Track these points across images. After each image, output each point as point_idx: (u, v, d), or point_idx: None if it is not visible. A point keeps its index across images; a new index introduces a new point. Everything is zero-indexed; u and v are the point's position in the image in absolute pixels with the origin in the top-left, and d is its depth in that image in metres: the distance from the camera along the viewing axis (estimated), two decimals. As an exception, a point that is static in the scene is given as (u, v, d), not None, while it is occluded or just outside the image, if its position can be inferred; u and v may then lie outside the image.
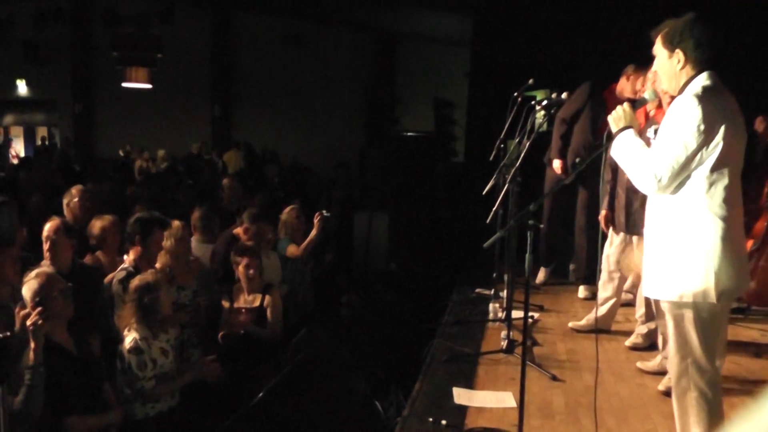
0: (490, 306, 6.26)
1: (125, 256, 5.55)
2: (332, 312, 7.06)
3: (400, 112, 12.96)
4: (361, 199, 11.28)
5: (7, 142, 22.21)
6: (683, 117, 3.20)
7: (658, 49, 3.41)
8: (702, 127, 3.17)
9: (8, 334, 3.09)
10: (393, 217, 10.59)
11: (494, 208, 5.71)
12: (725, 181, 3.23)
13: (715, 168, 3.21)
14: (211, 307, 5.79)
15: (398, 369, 5.83)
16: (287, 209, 7.35)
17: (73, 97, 20.29)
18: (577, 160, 6.37)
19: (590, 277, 6.81)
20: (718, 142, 3.18)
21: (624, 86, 6.35)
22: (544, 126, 5.90)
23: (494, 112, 7.43)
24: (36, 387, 3.80)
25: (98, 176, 11.20)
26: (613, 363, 5.24)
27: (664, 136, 3.28)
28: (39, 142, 21.86)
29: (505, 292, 5.96)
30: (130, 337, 4.55)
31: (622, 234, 5.58)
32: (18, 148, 22.40)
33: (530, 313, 5.39)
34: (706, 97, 3.20)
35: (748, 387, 4.76)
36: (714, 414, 3.34)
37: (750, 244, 6.02)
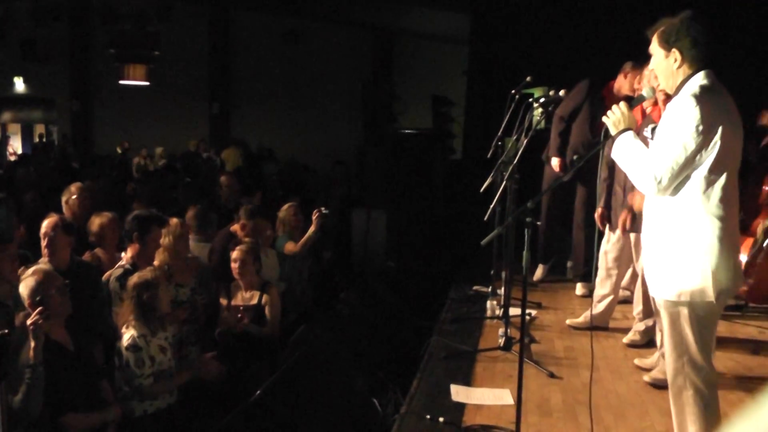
0: (488, 303, 6.27)
1: (123, 254, 5.56)
2: (330, 309, 7.06)
3: (399, 109, 12.93)
4: (359, 196, 11.28)
5: (5, 140, 22.18)
6: (682, 118, 3.20)
7: (655, 48, 3.41)
8: (701, 128, 3.17)
9: (6, 331, 3.09)
10: (391, 214, 10.58)
11: (492, 206, 5.71)
12: (723, 181, 3.23)
13: (713, 168, 3.21)
14: (209, 304, 5.79)
15: (396, 366, 5.83)
16: (285, 207, 7.35)
17: (71, 95, 20.26)
18: (575, 157, 6.41)
19: (588, 275, 6.82)
20: (716, 143, 3.19)
21: (622, 84, 6.36)
22: (542, 123, 5.91)
23: (492, 110, 7.42)
24: (35, 386, 3.80)
25: (96, 174, 11.19)
26: (610, 360, 5.25)
27: (663, 137, 3.28)
28: (37, 140, 21.83)
29: (503, 289, 5.97)
30: (128, 335, 4.55)
31: (618, 231, 5.59)
32: (16, 146, 22.38)
33: (528, 311, 5.39)
34: (704, 97, 3.20)
35: (745, 384, 4.77)
36: (710, 411, 3.35)
37: (751, 242, 6.02)
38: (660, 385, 4.67)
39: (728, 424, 1.15)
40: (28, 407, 3.79)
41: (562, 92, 6.07)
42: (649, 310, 5.21)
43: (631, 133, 3.44)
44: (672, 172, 3.21)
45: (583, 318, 6.02)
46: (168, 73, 18.37)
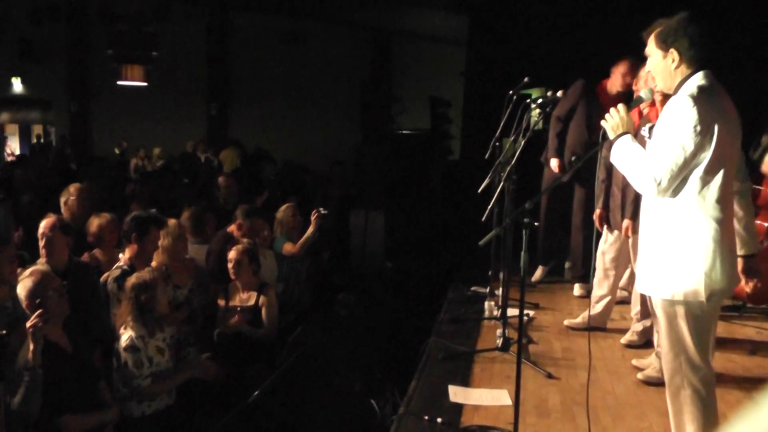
0: (486, 304, 6.27)
1: (121, 255, 5.55)
2: (328, 310, 7.06)
3: (397, 110, 12.96)
4: (358, 197, 11.28)
5: (3, 141, 22.16)
6: (679, 119, 3.20)
7: (652, 49, 3.41)
8: (698, 129, 3.17)
9: (5, 332, 3.09)
10: (389, 215, 10.59)
11: (490, 206, 5.72)
12: (719, 181, 3.23)
13: (709, 169, 3.22)
14: (206, 305, 5.79)
15: (394, 367, 5.84)
16: (283, 207, 7.35)
17: (69, 95, 20.22)
18: (573, 158, 6.42)
19: (585, 276, 6.83)
20: (712, 143, 3.19)
21: (614, 82, 6.40)
22: (540, 124, 5.91)
23: (490, 111, 7.41)
24: (34, 388, 3.80)
25: (95, 174, 11.17)
26: (608, 361, 5.25)
27: (661, 138, 3.28)
28: (34, 141, 21.80)
29: (501, 290, 5.97)
30: (126, 335, 4.55)
31: (616, 232, 5.60)
32: (13, 146, 22.36)
33: (526, 311, 5.40)
34: (701, 97, 3.21)
35: (743, 384, 4.78)
36: (708, 411, 3.36)
37: None
38: (653, 383, 4.68)
39: (727, 425, 1.16)
40: (27, 409, 3.79)
41: (559, 93, 6.08)
42: (646, 311, 5.22)
43: (629, 136, 3.44)
44: (671, 174, 3.22)
45: (580, 319, 6.02)
46: (166, 73, 18.34)
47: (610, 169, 5.35)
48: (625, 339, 5.61)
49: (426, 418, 4.23)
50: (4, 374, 3.77)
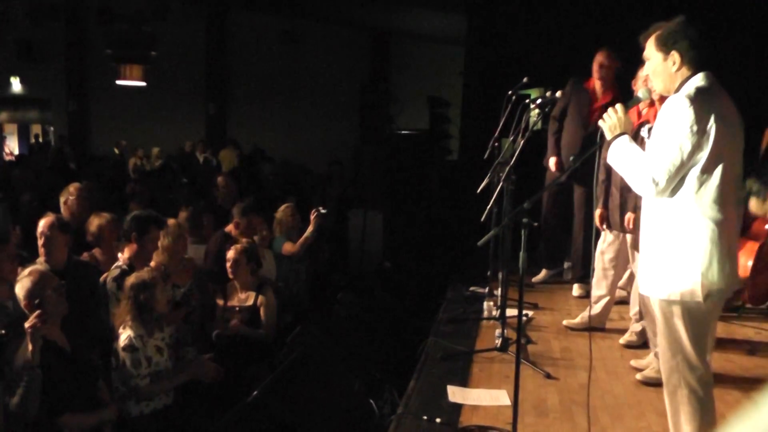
0: (485, 304, 6.27)
1: (120, 254, 5.55)
2: (327, 310, 7.06)
3: (395, 110, 12.94)
4: (356, 197, 11.29)
5: (1, 140, 22.15)
6: (676, 119, 3.21)
7: (651, 52, 3.41)
8: (695, 128, 3.17)
9: (4, 332, 3.09)
10: (388, 215, 10.59)
11: (489, 206, 5.72)
12: (716, 181, 3.23)
13: (706, 168, 3.22)
14: (205, 305, 5.79)
15: (393, 367, 5.84)
16: (282, 207, 7.36)
17: (68, 95, 20.20)
18: (572, 158, 6.42)
19: (584, 276, 6.83)
20: (709, 143, 3.19)
21: (593, 73, 6.63)
22: (539, 124, 5.92)
23: (489, 111, 7.42)
24: (32, 388, 3.80)
25: (94, 174, 11.18)
26: (607, 361, 5.25)
27: (658, 139, 3.28)
28: (33, 140, 21.79)
29: (500, 290, 5.97)
30: (125, 335, 4.55)
31: (615, 232, 5.60)
32: (12, 146, 22.35)
33: (524, 311, 5.41)
34: (698, 97, 3.21)
35: (742, 385, 4.78)
36: (705, 411, 3.36)
37: (756, 245, 5.99)
38: (652, 383, 4.68)
39: (725, 425, 1.16)
40: (25, 409, 3.78)
41: (558, 93, 6.09)
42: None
43: (626, 137, 3.44)
44: (669, 174, 3.22)
45: (579, 319, 6.02)
46: (165, 73, 18.34)
47: (609, 169, 5.35)
48: (623, 339, 5.61)
49: (425, 418, 4.23)
50: (4, 374, 3.78)
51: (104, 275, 5.34)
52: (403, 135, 12.35)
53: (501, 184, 5.65)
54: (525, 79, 6.15)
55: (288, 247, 6.98)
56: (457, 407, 4.43)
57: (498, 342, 5.35)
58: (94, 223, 5.69)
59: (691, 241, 3.25)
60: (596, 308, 5.88)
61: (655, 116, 4.30)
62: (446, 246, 10.20)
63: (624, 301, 6.15)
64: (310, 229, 6.94)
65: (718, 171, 3.23)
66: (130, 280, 4.68)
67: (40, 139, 21.49)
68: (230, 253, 5.79)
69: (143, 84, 16.96)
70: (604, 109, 6.50)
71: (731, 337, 5.78)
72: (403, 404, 4.50)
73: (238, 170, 13.36)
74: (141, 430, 4.55)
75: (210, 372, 4.94)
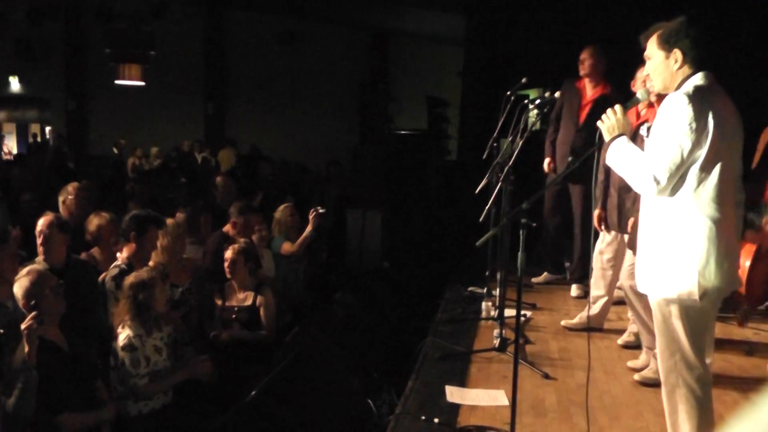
0: (483, 304, 6.28)
1: (118, 254, 5.55)
2: (325, 310, 7.06)
3: (394, 110, 12.96)
4: (355, 197, 11.28)
5: (0, 139, 22.14)
6: (675, 116, 3.21)
7: (653, 50, 3.41)
8: (694, 125, 3.18)
9: (2, 332, 3.09)
10: (386, 215, 10.59)
11: (487, 207, 5.72)
12: (714, 180, 3.23)
13: (704, 166, 3.22)
14: (204, 305, 5.79)
15: (391, 367, 5.84)
16: (281, 207, 7.36)
17: (66, 94, 20.21)
18: (570, 159, 6.44)
19: (583, 276, 6.83)
20: (708, 140, 3.19)
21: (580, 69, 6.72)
22: (537, 125, 5.92)
23: (487, 111, 7.45)
24: (29, 390, 3.79)
25: (92, 173, 11.16)
26: (605, 361, 5.26)
27: (657, 137, 3.29)
28: (31, 140, 21.77)
29: (498, 290, 5.98)
30: (123, 334, 4.55)
31: (614, 232, 5.60)
32: (10, 145, 22.34)
33: (523, 312, 5.40)
34: (696, 95, 3.21)
35: (740, 385, 4.79)
36: (703, 411, 3.36)
37: (754, 247, 5.98)
38: (650, 384, 4.69)
39: (723, 425, 1.17)
40: (21, 410, 3.78)
41: (557, 94, 6.09)
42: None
43: (624, 138, 3.44)
44: (670, 172, 3.22)
45: (578, 319, 6.03)
46: (163, 72, 18.33)
47: (608, 170, 5.36)
48: (621, 340, 5.61)
49: (423, 418, 4.24)
50: (2, 374, 3.77)
51: (103, 274, 5.34)
52: (401, 135, 12.35)
53: (499, 184, 5.65)
54: (524, 80, 6.16)
55: (287, 247, 6.99)
56: (456, 407, 4.44)
57: (496, 342, 5.36)
58: (93, 222, 5.69)
59: (689, 240, 3.25)
60: (594, 308, 5.88)
61: (654, 117, 4.31)
62: (445, 246, 10.21)
63: (622, 302, 6.14)
64: (308, 228, 6.94)
65: (717, 170, 3.23)
66: (129, 279, 4.68)
67: (38, 139, 21.47)
68: (228, 253, 5.79)
69: (142, 83, 16.94)
70: (593, 104, 6.58)
71: (729, 337, 5.78)
72: (402, 404, 4.51)
73: (236, 170, 13.36)
74: (139, 430, 4.55)
75: (206, 372, 4.94)
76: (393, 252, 10.30)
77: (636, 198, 4.57)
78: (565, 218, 7.17)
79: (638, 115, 5.18)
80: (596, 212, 5.60)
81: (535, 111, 5.98)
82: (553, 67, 8.01)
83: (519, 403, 3.83)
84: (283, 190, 10.74)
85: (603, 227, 5.65)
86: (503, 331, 5.42)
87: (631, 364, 5.13)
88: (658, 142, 3.27)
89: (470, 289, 7.09)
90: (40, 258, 5.01)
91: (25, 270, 4.28)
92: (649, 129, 4.38)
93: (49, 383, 3.95)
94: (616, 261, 5.73)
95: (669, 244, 3.30)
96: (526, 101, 6.05)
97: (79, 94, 20.24)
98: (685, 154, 3.20)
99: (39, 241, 5.03)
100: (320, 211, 6.97)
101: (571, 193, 6.96)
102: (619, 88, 6.52)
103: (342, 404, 5.04)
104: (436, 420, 4.21)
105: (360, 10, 16.19)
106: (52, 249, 5.02)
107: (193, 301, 5.62)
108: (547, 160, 6.99)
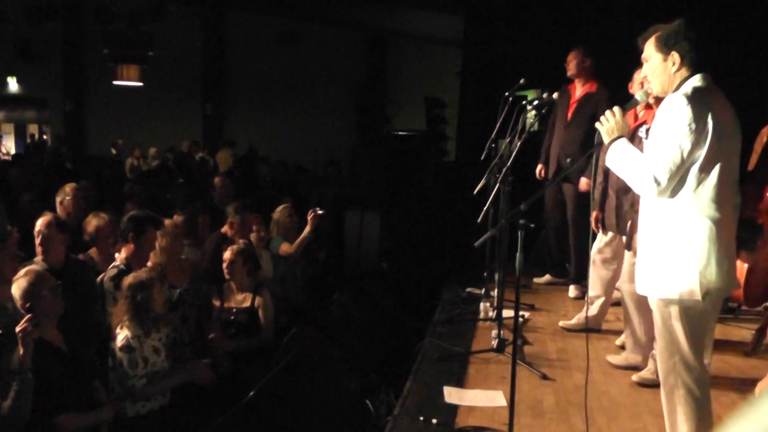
0: (481, 305, 6.28)
1: (117, 254, 5.55)
2: (324, 311, 7.06)
3: (392, 111, 12.96)
4: (353, 197, 11.28)
5: (-2, 140, 22.15)
6: (674, 117, 3.22)
7: (651, 53, 3.42)
8: (693, 126, 3.19)
9: (1, 332, 3.09)
10: (384, 216, 10.58)
11: (485, 208, 5.72)
12: (714, 180, 3.24)
13: (704, 167, 3.23)
14: (202, 306, 5.78)
15: (389, 368, 5.84)
16: (279, 208, 7.36)
17: (65, 95, 20.21)
18: (568, 161, 6.44)
19: (581, 277, 6.83)
20: (707, 140, 3.20)
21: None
22: (535, 126, 5.93)
23: (485, 112, 7.45)
24: (24, 392, 3.78)
25: (90, 174, 11.16)
26: (603, 362, 5.26)
27: (657, 138, 3.29)
28: (29, 140, 21.76)
29: (496, 291, 5.98)
30: (122, 335, 4.54)
31: (611, 234, 5.61)
32: (8, 146, 22.31)
33: (521, 312, 5.41)
34: (695, 96, 3.22)
35: (738, 386, 4.80)
36: (702, 411, 3.37)
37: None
38: (648, 385, 4.70)
39: (721, 426, 1.17)
40: (16, 413, 3.77)
41: (555, 95, 6.09)
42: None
43: (624, 140, 3.45)
44: (670, 172, 3.23)
45: (576, 320, 6.04)
46: (162, 73, 18.33)
47: (607, 171, 5.36)
48: (620, 340, 5.61)
49: (421, 418, 4.24)
50: (1, 375, 3.77)
51: (101, 275, 5.34)
52: (400, 136, 12.35)
53: (498, 185, 5.65)
54: (522, 81, 6.16)
55: (285, 248, 6.98)
56: (454, 408, 4.44)
57: (494, 343, 5.36)
58: (92, 223, 5.69)
59: (690, 240, 3.25)
60: (592, 309, 5.89)
61: (652, 119, 4.31)
62: (443, 247, 10.21)
63: (620, 302, 6.16)
64: (307, 229, 6.93)
65: (716, 170, 3.24)
66: (128, 280, 4.68)
67: (36, 139, 21.45)
68: (226, 254, 5.78)
69: (140, 84, 16.95)
70: (579, 102, 6.67)
71: (727, 338, 5.79)
72: (400, 405, 4.51)
73: (233, 170, 13.35)
74: (137, 431, 4.55)
75: (204, 377, 4.94)
76: (391, 253, 10.29)
77: (634, 199, 4.58)
78: (565, 219, 7.17)
79: (636, 117, 5.19)
80: (593, 213, 5.61)
81: (533, 112, 5.99)
82: (551, 69, 8.00)
83: (517, 404, 3.83)
84: (282, 191, 10.74)
85: (599, 228, 5.66)
86: (501, 332, 5.43)
87: (610, 358, 5.16)
88: (658, 144, 3.27)
89: (468, 289, 7.09)
90: (38, 258, 5.00)
91: (23, 270, 4.27)
92: (647, 131, 4.39)
93: (48, 383, 3.94)
94: (615, 262, 5.73)
95: (669, 245, 3.31)
96: (524, 102, 6.06)
97: (78, 94, 20.24)
98: (685, 155, 3.21)
99: (37, 241, 5.02)
100: (319, 212, 6.97)
101: (565, 193, 6.99)
102: (615, 89, 6.53)
103: (340, 405, 5.04)
104: (434, 421, 4.21)
105: (359, 11, 16.19)
106: (51, 249, 5.02)
107: (191, 302, 5.62)
108: (539, 168, 7.05)
